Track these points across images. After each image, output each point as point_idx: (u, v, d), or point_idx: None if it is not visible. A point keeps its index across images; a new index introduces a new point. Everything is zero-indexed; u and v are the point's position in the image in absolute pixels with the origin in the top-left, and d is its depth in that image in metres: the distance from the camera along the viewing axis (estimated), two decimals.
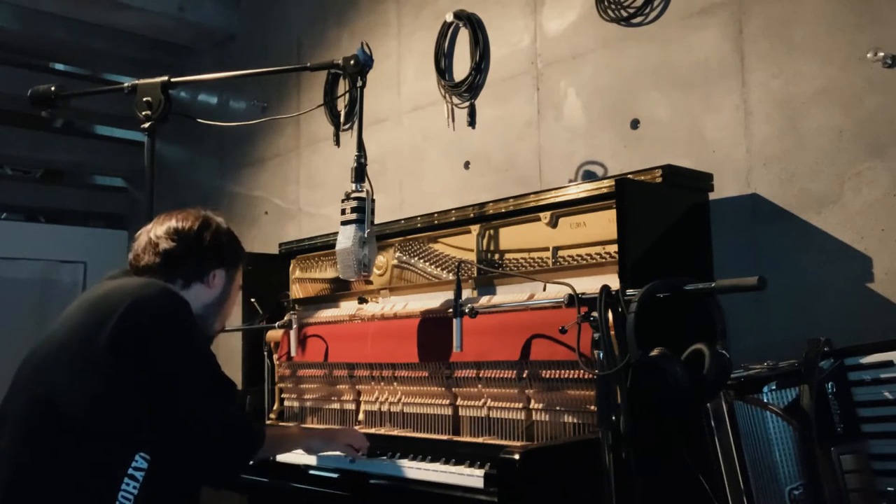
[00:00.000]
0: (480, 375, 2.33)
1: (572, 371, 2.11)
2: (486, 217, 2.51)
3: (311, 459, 2.37)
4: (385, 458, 2.31)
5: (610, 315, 1.62)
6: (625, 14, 2.84)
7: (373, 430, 2.59)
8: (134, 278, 1.94)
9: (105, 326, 1.75)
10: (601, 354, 1.61)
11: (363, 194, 2.34)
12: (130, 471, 1.70)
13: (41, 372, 1.80)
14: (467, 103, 3.33)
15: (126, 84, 2.64)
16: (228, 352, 3.29)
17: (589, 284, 1.88)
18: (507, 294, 2.39)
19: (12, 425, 1.76)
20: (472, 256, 2.55)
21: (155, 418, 1.76)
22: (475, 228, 2.54)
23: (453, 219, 2.60)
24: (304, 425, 2.87)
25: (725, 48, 2.59)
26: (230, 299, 2.08)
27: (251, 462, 1.94)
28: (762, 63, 2.50)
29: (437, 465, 2.14)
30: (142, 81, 2.60)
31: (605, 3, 2.89)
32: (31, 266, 5.53)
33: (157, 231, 1.97)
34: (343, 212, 2.35)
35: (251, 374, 3.14)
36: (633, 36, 2.82)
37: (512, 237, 2.49)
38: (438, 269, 2.68)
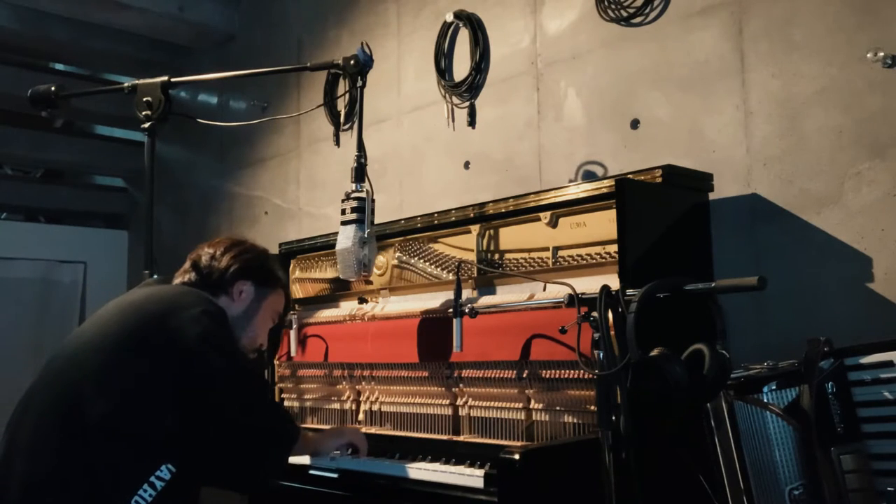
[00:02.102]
0: (480, 375, 2.33)
1: (572, 371, 2.11)
2: (486, 217, 2.51)
3: (310, 459, 2.36)
4: (385, 458, 2.31)
5: (610, 315, 1.62)
6: (625, 14, 2.83)
7: (373, 430, 2.59)
8: (172, 286, 2.06)
9: (140, 329, 1.81)
10: (601, 354, 1.61)
11: (363, 194, 2.34)
12: (152, 478, 1.72)
13: (70, 368, 1.83)
14: (467, 103, 3.33)
15: (126, 84, 2.64)
16: None
17: (589, 284, 1.88)
18: (507, 294, 2.39)
19: (34, 419, 1.79)
20: (472, 256, 2.55)
21: (187, 423, 1.76)
22: (475, 228, 2.54)
23: (453, 219, 2.59)
24: (304, 426, 2.88)
25: (725, 48, 2.59)
26: (259, 318, 2.14)
27: (288, 460, 1.93)
28: (762, 63, 2.50)
29: (436, 465, 2.15)
30: (142, 81, 2.61)
31: (605, 3, 2.89)
32: (31, 266, 5.52)
33: (197, 254, 2.13)
34: (343, 212, 2.35)
35: None
36: (633, 36, 2.82)
37: (512, 237, 2.49)
38: (438, 269, 2.68)
